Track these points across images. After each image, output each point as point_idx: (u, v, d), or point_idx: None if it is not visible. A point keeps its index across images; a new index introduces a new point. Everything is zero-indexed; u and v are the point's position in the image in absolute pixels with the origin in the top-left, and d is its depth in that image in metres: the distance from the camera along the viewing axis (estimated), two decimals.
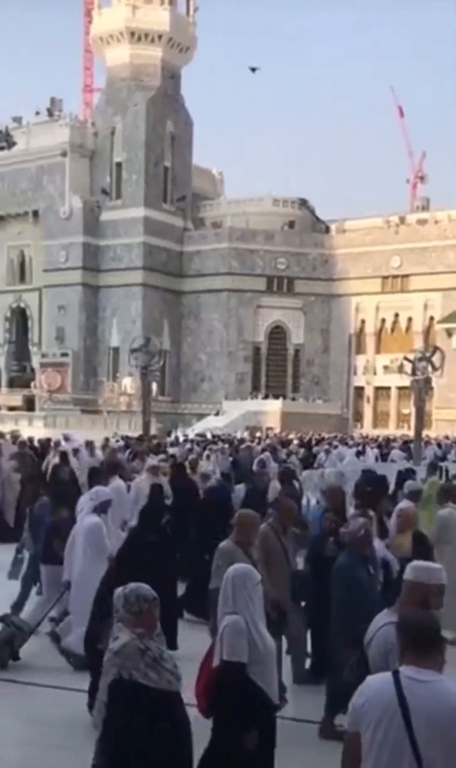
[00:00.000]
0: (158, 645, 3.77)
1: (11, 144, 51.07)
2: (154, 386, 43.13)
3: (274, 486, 12.50)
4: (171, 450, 20.88)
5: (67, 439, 20.56)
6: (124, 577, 4.37)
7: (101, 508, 7.55)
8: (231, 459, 20.48)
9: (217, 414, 50.83)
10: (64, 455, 15.87)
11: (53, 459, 18.56)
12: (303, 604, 6.89)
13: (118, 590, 3.92)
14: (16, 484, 14.59)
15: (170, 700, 3.67)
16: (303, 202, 62.93)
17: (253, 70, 61.11)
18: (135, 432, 33.90)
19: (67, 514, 8.60)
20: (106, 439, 22.60)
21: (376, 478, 12.30)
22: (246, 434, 37.79)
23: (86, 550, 7.29)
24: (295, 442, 30.72)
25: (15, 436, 19.93)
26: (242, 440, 29.96)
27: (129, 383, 49.15)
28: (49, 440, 20.96)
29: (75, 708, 6.02)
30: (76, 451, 18.80)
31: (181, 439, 31.15)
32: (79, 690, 6.11)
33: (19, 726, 6.12)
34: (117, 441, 23.43)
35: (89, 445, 20.56)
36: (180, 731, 3.72)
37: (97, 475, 10.57)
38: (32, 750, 5.67)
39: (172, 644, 6.25)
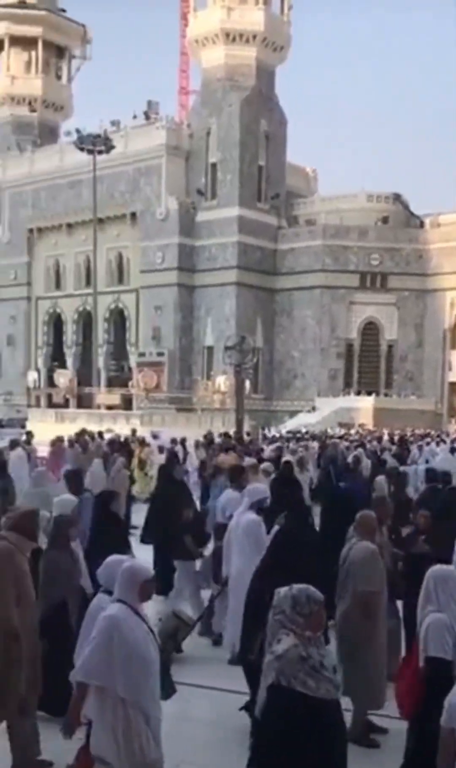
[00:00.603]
0: (319, 651, 3.72)
1: (110, 148, 52.66)
2: (248, 384, 43.86)
3: (380, 482, 13.07)
4: (268, 448, 21.38)
5: (155, 436, 21.61)
6: (279, 578, 4.37)
7: (257, 506, 7.70)
8: (317, 456, 21.14)
9: (313, 410, 51.27)
10: (174, 455, 16.68)
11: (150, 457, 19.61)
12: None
13: (283, 591, 3.86)
14: (126, 480, 15.59)
15: (327, 709, 3.67)
16: (397, 197, 62.61)
17: None
18: (228, 429, 34.65)
19: (192, 514, 9.50)
20: (205, 437, 23.34)
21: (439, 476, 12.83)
22: (340, 430, 38.18)
23: (244, 547, 7.42)
24: (386, 438, 31.16)
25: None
26: (331, 437, 30.38)
27: (223, 381, 50.06)
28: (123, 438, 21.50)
29: (226, 707, 6.29)
30: (161, 449, 19.87)
31: (271, 436, 31.72)
32: (231, 690, 6.42)
33: (171, 723, 6.21)
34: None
35: (181, 443, 21.42)
36: (335, 740, 3.73)
37: (240, 473, 10.65)
38: (186, 747, 5.78)
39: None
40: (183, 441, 21.49)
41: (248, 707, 5.74)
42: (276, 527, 6.62)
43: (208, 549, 9.44)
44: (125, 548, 8.17)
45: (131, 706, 4.21)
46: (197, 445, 21.38)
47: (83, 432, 21.24)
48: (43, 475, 11.25)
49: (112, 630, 4.21)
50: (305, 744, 3.55)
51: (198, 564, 9.42)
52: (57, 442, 17.62)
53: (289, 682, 3.58)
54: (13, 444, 17.06)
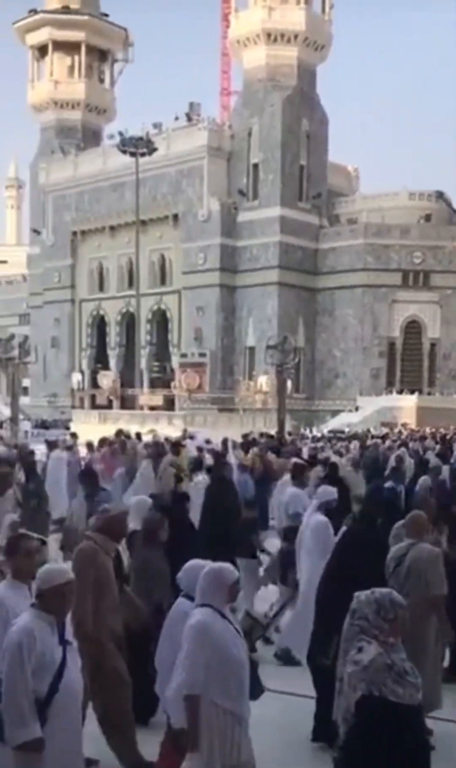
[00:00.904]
0: (400, 656, 3.71)
1: (152, 150, 53.10)
2: (289, 383, 43.87)
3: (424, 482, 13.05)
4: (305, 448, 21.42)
5: (191, 437, 21.78)
6: (347, 581, 4.47)
7: (325, 507, 7.78)
8: (359, 456, 21.11)
9: (356, 409, 51.08)
10: (220, 455, 16.79)
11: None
12: None
13: (364, 595, 3.83)
14: (171, 479, 15.78)
15: (414, 715, 3.71)
16: (439, 195, 62.17)
17: None
18: (270, 429, 34.75)
19: (254, 514, 9.79)
20: (243, 437, 23.44)
21: None
22: (383, 429, 38.00)
23: (313, 549, 7.52)
24: (429, 437, 30.91)
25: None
26: (373, 436, 30.29)
27: (264, 381, 50.17)
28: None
29: (297, 712, 6.33)
30: (200, 449, 20.02)
31: (310, 436, 31.75)
32: (302, 695, 6.39)
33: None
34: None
35: (224, 444, 21.54)
36: (422, 745, 3.79)
37: (302, 471, 10.68)
38: (256, 752, 5.79)
39: None
40: (225, 442, 21.58)
41: (323, 721, 5.66)
42: (343, 528, 6.61)
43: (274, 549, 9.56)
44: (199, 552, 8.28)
45: (224, 709, 4.26)
46: (235, 445, 21.48)
47: (120, 432, 21.47)
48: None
49: (203, 636, 4.22)
50: (396, 752, 3.58)
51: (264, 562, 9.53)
52: (110, 443, 17.87)
53: (380, 692, 3.59)
54: (52, 445, 17.30)
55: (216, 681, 4.22)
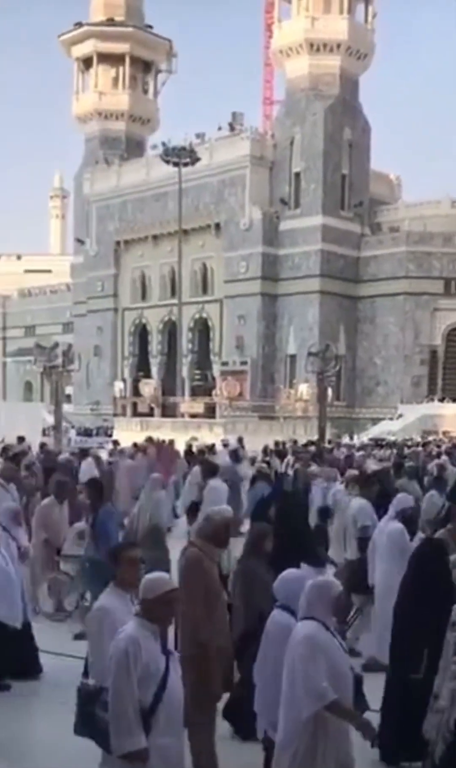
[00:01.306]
0: None
1: (195, 160, 53.57)
2: (330, 391, 43.86)
3: None
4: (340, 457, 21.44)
5: (225, 444, 22.02)
6: (429, 590, 4.48)
7: (402, 515, 7.87)
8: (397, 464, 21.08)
9: (398, 417, 50.73)
10: (268, 464, 16.99)
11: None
12: None
13: None
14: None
15: None
16: None
17: None
18: (311, 437, 34.80)
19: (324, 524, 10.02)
20: (276, 445, 23.58)
21: None
22: (428, 436, 37.73)
23: (390, 556, 7.63)
24: None
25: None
26: (409, 445, 30.16)
27: (305, 389, 50.19)
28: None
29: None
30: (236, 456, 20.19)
31: (345, 443, 31.68)
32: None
33: None
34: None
35: (265, 451, 21.70)
36: None
37: (368, 481, 10.83)
38: None
39: None
40: (266, 449, 21.72)
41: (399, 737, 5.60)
42: (420, 535, 6.67)
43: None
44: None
45: (333, 723, 4.22)
46: (268, 452, 21.63)
47: (150, 439, 21.82)
48: (157, 481, 11.67)
49: (316, 650, 4.19)
50: None
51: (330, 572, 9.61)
52: (164, 449, 18.25)
53: None
54: (84, 453, 17.73)
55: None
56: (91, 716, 4.36)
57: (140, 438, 26.22)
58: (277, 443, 23.83)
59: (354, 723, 4.24)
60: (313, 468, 15.98)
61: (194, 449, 21.24)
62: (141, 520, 10.63)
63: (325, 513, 11.07)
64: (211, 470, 13.18)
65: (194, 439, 29.68)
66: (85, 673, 4.86)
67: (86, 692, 4.56)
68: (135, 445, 20.59)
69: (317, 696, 4.13)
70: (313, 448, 22.96)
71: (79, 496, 11.68)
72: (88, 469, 16.05)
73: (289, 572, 4.84)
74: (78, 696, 4.66)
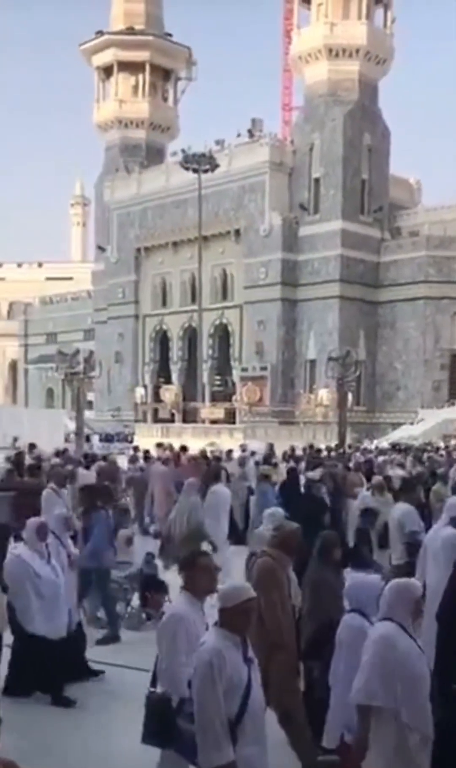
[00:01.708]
0: None
1: (214, 167, 53.73)
2: (350, 396, 43.81)
3: None
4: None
5: (243, 449, 22.11)
6: None
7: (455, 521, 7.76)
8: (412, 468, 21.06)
9: (418, 422, 50.55)
10: (294, 471, 17.04)
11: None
12: None
13: None
14: (245, 490, 16.25)
15: None
16: None
17: None
18: (330, 442, 34.78)
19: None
20: (291, 450, 23.57)
21: None
22: (451, 440, 37.63)
23: (442, 561, 7.52)
24: None
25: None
26: (427, 450, 30.09)
27: (325, 394, 50.14)
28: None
29: None
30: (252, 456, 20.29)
31: (362, 448, 31.61)
32: None
33: None
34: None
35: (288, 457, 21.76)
36: None
37: (412, 488, 10.92)
38: None
39: None
40: (285, 455, 21.77)
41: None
42: None
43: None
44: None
45: (409, 726, 4.15)
46: (284, 456, 21.70)
47: (160, 445, 21.97)
48: (193, 485, 11.70)
49: (387, 650, 4.14)
50: None
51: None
52: (193, 457, 18.43)
53: None
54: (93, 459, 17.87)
55: (408, 702, 4.12)
56: (173, 727, 4.32)
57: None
58: (293, 449, 23.83)
59: (357, 734, 4.25)
60: (351, 474, 16.13)
61: (208, 455, 21.34)
62: (178, 523, 10.75)
63: (369, 515, 11.01)
64: (214, 475, 13.23)
65: (212, 444, 29.75)
66: (153, 682, 4.80)
67: (157, 700, 4.55)
68: (164, 449, 20.75)
69: (362, 694, 4.19)
70: (324, 454, 23.01)
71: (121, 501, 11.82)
72: (86, 475, 16.19)
73: (359, 576, 4.86)
74: (146, 704, 4.63)
